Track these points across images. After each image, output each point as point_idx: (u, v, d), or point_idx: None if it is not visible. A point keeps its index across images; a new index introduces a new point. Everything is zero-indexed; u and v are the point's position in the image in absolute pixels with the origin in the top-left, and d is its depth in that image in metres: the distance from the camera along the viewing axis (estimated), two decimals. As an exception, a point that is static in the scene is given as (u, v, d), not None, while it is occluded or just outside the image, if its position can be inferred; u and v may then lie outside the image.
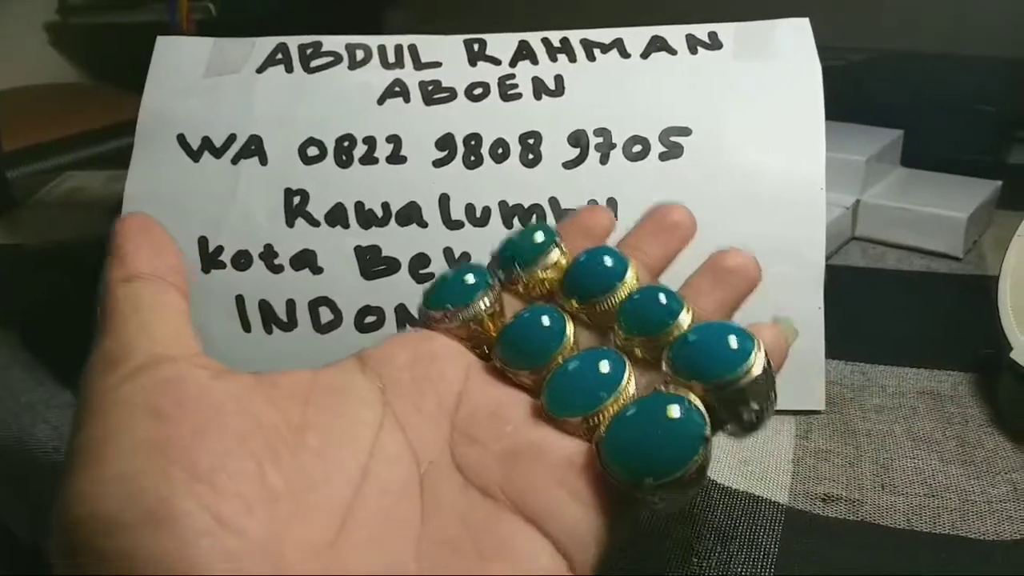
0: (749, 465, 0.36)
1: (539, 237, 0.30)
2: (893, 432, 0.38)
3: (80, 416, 0.21)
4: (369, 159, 0.42)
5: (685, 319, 0.26)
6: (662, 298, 0.27)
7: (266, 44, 0.45)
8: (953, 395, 0.41)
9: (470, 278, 0.29)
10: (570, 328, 0.27)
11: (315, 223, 0.41)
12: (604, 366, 0.25)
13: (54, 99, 0.98)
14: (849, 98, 0.55)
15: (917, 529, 0.32)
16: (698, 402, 0.23)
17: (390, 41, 0.45)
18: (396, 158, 0.42)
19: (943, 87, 0.68)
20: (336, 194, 0.41)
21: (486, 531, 0.22)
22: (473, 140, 0.42)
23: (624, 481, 0.22)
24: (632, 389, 0.25)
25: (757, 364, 0.23)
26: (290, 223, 0.41)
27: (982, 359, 0.42)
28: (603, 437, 0.23)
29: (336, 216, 0.41)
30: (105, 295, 0.23)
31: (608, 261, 0.29)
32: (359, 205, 0.41)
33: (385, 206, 0.41)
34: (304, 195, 0.41)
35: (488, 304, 0.28)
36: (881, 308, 0.50)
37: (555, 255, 0.30)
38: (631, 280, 0.28)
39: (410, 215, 0.41)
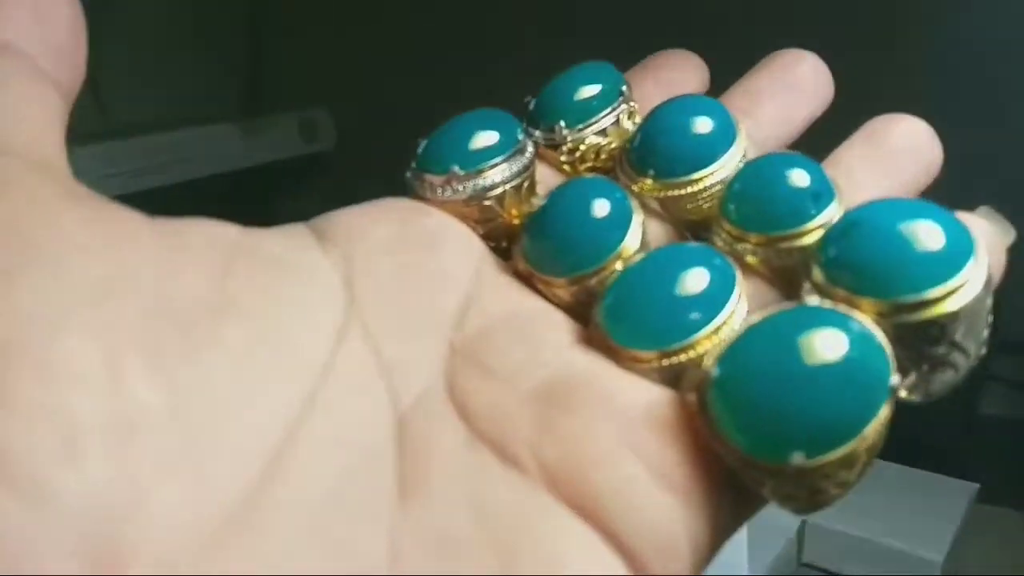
0: None
1: (597, 82, 0.22)
2: None
3: None
4: None
5: (835, 206, 0.18)
6: (798, 175, 0.18)
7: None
8: None
9: (490, 131, 0.20)
10: (638, 216, 0.19)
11: None
12: (700, 274, 0.17)
13: None
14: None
15: None
16: (875, 328, 0.15)
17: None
18: None
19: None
20: None
21: (509, 524, 0.15)
22: None
23: (752, 457, 0.14)
24: (744, 310, 0.17)
25: (977, 275, 0.15)
26: None
27: None
28: (714, 381, 0.15)
29: None
30: None
31: (704, 120, 0.20)
32: None
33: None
34: None
35: (515, 171, 0.20)
36: None
37: (620, 111, 0.21)
38: (739, 149, 0.20)
39: None
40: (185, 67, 0.75)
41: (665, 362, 0.16)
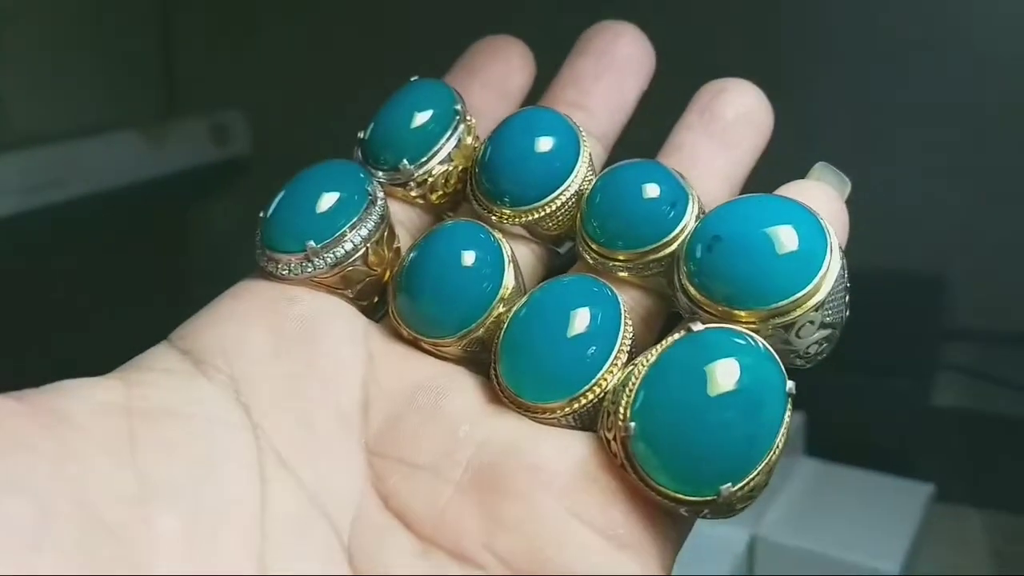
0: None
1: (429, 106, 0.21)
2: None
3: None
4: None
5: (692, 210, 0.18)
6: (652, 187, 0.18)
7: None
8: None
9: (336, 191, 0.19)
10: (507, 252, 0.19)
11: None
12: (585, 311, 0.17)
13: None
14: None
15: None
16: (763, 343, 0.16)
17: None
18: None
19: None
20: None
21: None
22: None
23: (685, 497, 0.15)
24: (631, 331, 0.17)
25: (833, 267, 0.16)
26: None
27: None
28: (634, 437, 0.16)
29: None
30: None
31: (547, 139, 0.20)
32: None
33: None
34: None
35: (372, 227, 0.19)
36: None
37: (459, 132, 0.21)
38: (585, 159, 0.20)
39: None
40: (85, 70, 0.70)
41: (576, 406, 0.17)
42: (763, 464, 0.15)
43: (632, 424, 0.16)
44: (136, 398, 0.16)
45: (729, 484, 0.15)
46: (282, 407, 0.17)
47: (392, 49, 0.67)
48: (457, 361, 0.19)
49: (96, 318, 0.60)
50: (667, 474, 0.15)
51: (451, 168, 0.21)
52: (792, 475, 0.48)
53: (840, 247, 0.17)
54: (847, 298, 0.17)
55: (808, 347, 0.17)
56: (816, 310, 0.16)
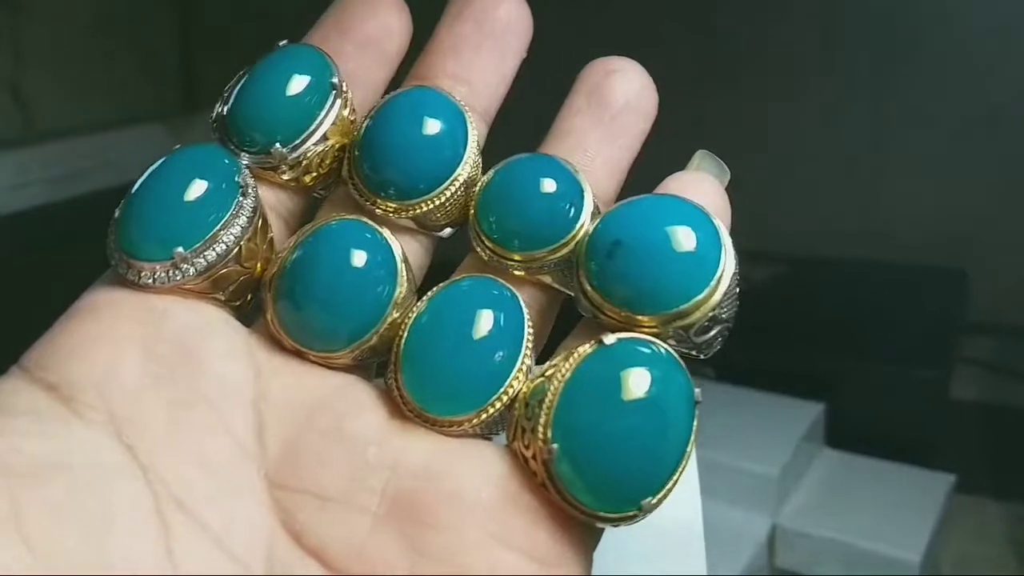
0: None
1: (302, 79, 0.18)
2: None
3: None
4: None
5: (588, 207, 0.18)
6: (550, 185, 0.18)
7: None
8: None
9: (204, 180, 0.17)
10: (398, 252, 0.18)
11: None
12: (488, 316, 0.17)
13: None
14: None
15: None
16: (671, 351, 0.16)
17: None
18: None
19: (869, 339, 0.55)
20: None
21: None
22: None
23: (607, 514, 0.15)
24: (532, 338, 0.17)
25: (728, 266, 0.16)
26: None
27: None
28: (555, 458, 0.15)
29: None
30: None
31: (433, 122, 0.18)
32: None
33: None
34: None
35: (245, 222, 0.17)
36: None
37: (336, 108, 0.19)
38: (473, 145, 0.19)
39: None
40: (111, 65, 0.71)
41: (484, 416, 0.16)
42: (678, 472, 0.15)
43: (555, 446, 0.15)
44: (8, 452, 0.14)
45: (649, 498, 0.15)
46: (170, 443, 0.16)
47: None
48: (347, 369, 0.18)
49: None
50: (590, 493, 0.15)
51: (327, 148, 0.19)
52: (813, 465, 0.48)
53: (731, 248, 0.17)
54: (738, 290, 0.17)
55: (705, 342, 0.17)
56: (713, 309, 0.16)
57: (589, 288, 0.17)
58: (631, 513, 0.15)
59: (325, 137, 0.18)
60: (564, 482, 0.15)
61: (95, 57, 0.70)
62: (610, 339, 0.16)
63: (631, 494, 0.15)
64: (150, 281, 0.17)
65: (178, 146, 0.18)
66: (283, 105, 0.18)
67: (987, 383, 0.55)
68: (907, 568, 0.41)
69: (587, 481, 0.15)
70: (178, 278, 0.17)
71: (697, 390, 0.16)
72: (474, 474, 0.16)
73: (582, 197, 0.18)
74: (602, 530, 0.17)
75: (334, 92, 0.18)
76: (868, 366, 0.52)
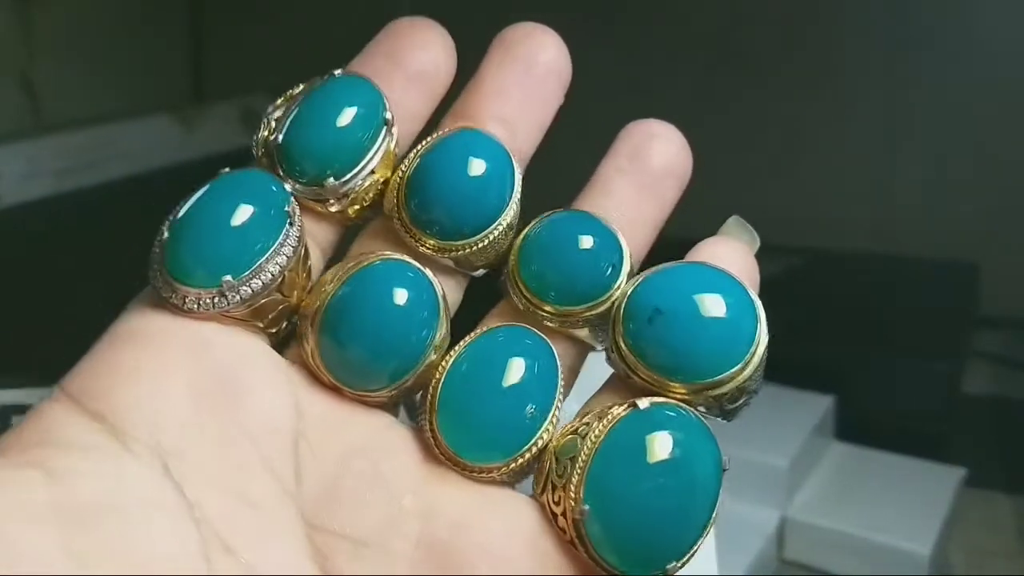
0: None
1: (355, 113, 0.19)
2: None
3: None
4: None
5: (626, 268, 0.19)
6: (590, 243, 0.18)
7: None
8: None
9: (248, 206, 0.17)
10: (440, 293, 0.18)
11: None
12: (522, 366, 0.17)
13: None
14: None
15: None
16: (702, 419, 0.17)
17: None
18: None
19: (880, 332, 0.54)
20: None
21: None
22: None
23: (633, 574, 0.16)
24: (562, 391, 0.18)
25: (763, 340, 0.17)
26: None
27: None
28: (587, 519, 0.16)
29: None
30: None
31: (482, 167, 0.19)
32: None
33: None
34: None
35: (291, 251, 0.17)
36: None
37: (386, 144, 0.19)
38: (517, 192, 0.19)
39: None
40: (121, 57, 0.71)
41: (514, 466, 0.17)
42: (703, 538, 0.16)
43: (586, 508, 0.16)
44: (62, 495, 0.15)
45: (675, 562, 0.16)
46: (216, 481, 0.16)
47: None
48: (381, 406, 0.18)
49: (130, 298, 0.61)
50: (618, 555, 0.16)
51: (372, 181, 0.19)
52: (823, 459, 0.48)
53: (764, 321, 0.17)
54: (765, 359, 0.18)
55: (732, 409, 0.18)
56: (745, 382, 0.17)
57: (625, 349, 0.17)
58: (653, 570, 0.16)
59: (372, 171, 0.19)
60: (593, 542, 0.16)
61: (105, 48, 0.70)
62: (644, 403, 0.17)
63: (657, 558, 0.16)
64: (194, 307, 0.17)
65: (226, 169, 0.18)
66: (336, 137, 0.18)
67: (998, 376, 0.54)
68: (917, 561, 0.41)
69: (616, 543, 0.16)
70: (223, 306, 0.17)
71: (726, 457, 0.16)
72: (505, 529, 0.17)
73: (621, 258, 0.18)
74: None
75: (385, 128, 0.19)
76: (879, 359, 0.51)
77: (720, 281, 0.17)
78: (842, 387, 0.50)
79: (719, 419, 0.18)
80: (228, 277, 0.17)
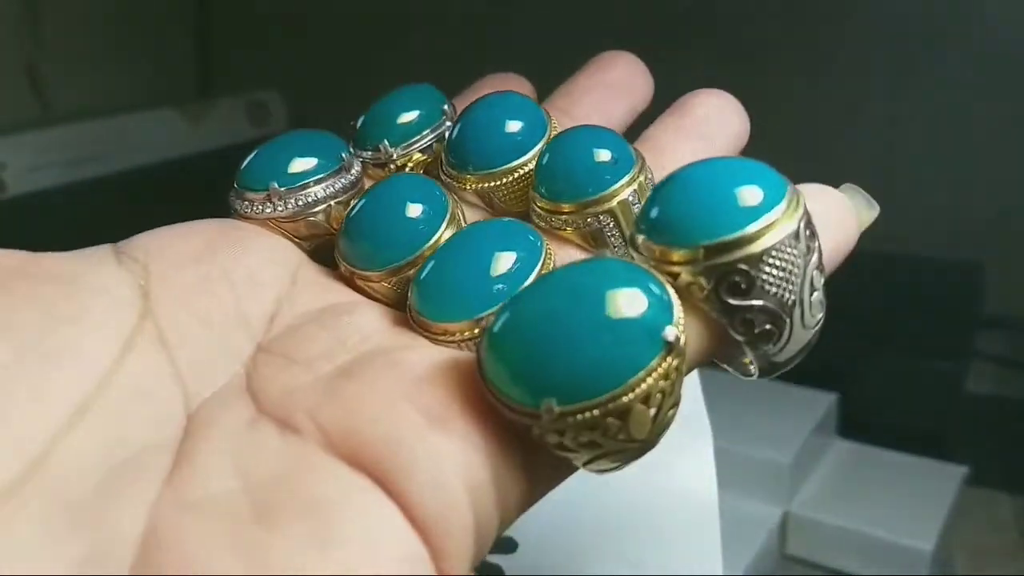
0: None
1: (418, 105, 0.22)
2: None
3: None
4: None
5: (635, 176, 0.19)
6: (596, 143, 0.19)
7: None
8: None
9: (311, 149, 0.20)
10: (451, 206, 0.19)
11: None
12: (507, 242, 0.18)
13: None
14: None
15: None
16: (661, 278, 0.15)
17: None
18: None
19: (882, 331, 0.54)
20: None
21: (273, 479, 0.14)
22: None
23: (511, 403, 0.14)
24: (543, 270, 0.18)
25: (787, 220, 0.15)
26: None
27: None
28: (488, 333, 0.15)
29: None
30: None
31: (515, 113, 0.21)
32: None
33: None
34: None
35: (340, 188, 0.20)
36: None
37: (444, 129, 0.22)
38: (548, 139, 0.21)
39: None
40: (128, 49, 0.71)
41: (477, 330, 0.17)
42: (604, 396, 0.14)
43: (492, 323, 0.15)
44: (31, 262, 0.16)
45: (554, 400, 0.14)
46: (182, 300, 0.17)
47: (427, 26, 0.67)
48: (387, 301, 0.19)
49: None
50: (501, 374, 0.14)
51: (430, 159, 0.22)
52: (825, 455, 0.48)
53: (812, 228, 0.16)
54: (815, 296, 0.15)
55: (747, 322, 0.15)
56: (750, 266, 0.15)
57: (637, 233, 0.16)
58: (533, 410, 0.14)
59: (431, 149, 0.22)
60: (486, 360, 0.15)
61: (112, 41, 0.71)
62: (608, 255, 0.17)
63: (536, 387, 0.14)
64: (248, 210, 0.20)
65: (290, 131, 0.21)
66: (398, 122, 0.22)
67: (1002, 376, 0.54)
68: (919, 557, 0.41)
69: (502, 361, 0.14)
70: (268, 210, 0.19)
71: (673, 329, 0.14)
72: (420, 352, 0.16)
73: (630, 161, 0.19)
74: (565, 465, 0.15)
75: (443, 116, 0.22)
76: (882, 357, 0.51)
77: (752, 164, 0.16)
78: (845, 385, 0.50)
79: (755, 370, 0.16)
80: (274, 184, 0.19)
